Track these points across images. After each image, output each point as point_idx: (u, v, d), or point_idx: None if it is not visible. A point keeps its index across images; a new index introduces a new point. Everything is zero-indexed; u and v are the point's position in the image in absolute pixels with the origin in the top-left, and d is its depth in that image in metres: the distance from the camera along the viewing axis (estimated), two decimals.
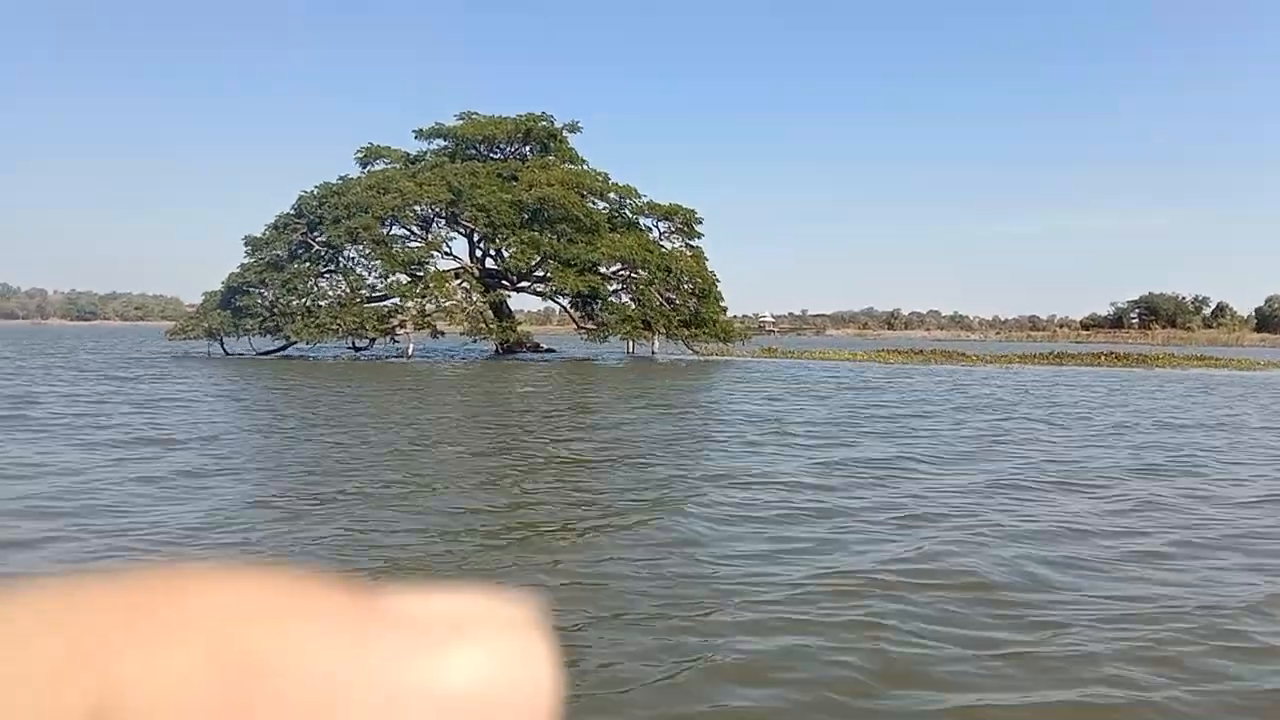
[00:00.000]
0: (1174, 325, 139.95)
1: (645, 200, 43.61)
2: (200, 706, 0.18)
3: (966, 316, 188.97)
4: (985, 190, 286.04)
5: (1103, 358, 42.73)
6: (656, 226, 43.69)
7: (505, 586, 0.21)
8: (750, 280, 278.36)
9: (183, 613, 0.19)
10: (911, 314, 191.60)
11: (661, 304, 40.73)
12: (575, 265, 39.92)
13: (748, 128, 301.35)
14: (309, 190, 40.53)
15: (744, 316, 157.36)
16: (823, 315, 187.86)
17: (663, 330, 40.86)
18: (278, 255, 39.25)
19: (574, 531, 7.33)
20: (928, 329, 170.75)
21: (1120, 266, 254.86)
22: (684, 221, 43.06)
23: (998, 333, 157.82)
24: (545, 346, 45.54)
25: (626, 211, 43.71)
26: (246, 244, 39.94)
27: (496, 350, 42.24)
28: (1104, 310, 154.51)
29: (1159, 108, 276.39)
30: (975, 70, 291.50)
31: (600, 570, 6.22)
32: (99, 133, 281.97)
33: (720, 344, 42.58)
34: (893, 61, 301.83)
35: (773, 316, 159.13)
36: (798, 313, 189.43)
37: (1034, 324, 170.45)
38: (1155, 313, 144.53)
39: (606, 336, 40.79)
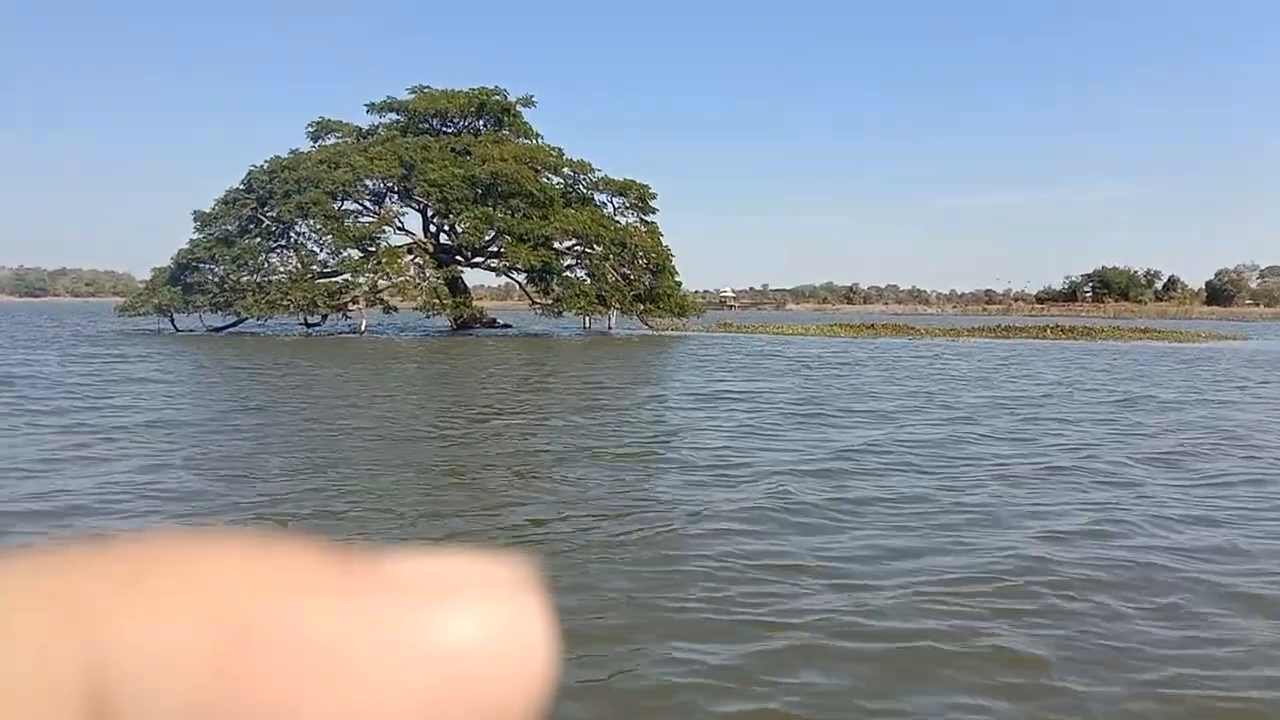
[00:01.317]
0: (1126, 298, 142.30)
1: (600, 175, 43.64)
2: (194, 672, 0.18)
3: (925, 291, 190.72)
4: (943, 165, 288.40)
5: (1049, 330, 43.58)
6: (611, 202, 43.71)
7: (499, 549, 0.20)
8: (712, 255, 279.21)
9: (175, 579, 0.19)
10: (870, 288, 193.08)
11: (616, 279, 40.87)
12: (529, 240, 39.92)
13: (709, 101, 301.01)
14: (259, 165, 40.17)
15: (705, 291, 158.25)
16: (783, 290, 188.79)
17: (618, 305, 41.04)
18: (228, 231, 38.89)
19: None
20: (886, 303, 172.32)
21: (1077, 242, 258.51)
22: (638, 197, 43.12)
23: (954, 306, 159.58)
24: (502, 322, 45.57)
25: (581, 187, 43.69)
26: (196, 219, 39.53)
27: (452, 326, 42.25)
28: (1059, 284, 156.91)
29: (1118, 82, 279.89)
30: (935, 43, 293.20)
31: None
32: (49, 105, 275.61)
33: (675, 319, 42.88)
34: (855, 35, 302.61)
35: (734, 292, 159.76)
36: (759, 288, 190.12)
37: (990, 298, 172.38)
38: (1108, 286, 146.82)
39: (561, 312, 40.91)
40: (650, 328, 42.21)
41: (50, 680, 0.18)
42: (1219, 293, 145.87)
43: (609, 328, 42.43)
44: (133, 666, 0.18)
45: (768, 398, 15.47)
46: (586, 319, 42.33)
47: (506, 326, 44.30)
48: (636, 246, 41.16)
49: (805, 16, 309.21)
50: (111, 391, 15.19)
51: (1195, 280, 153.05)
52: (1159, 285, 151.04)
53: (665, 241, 42.84)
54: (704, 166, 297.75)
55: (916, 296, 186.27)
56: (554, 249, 40.93)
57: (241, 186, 39.81)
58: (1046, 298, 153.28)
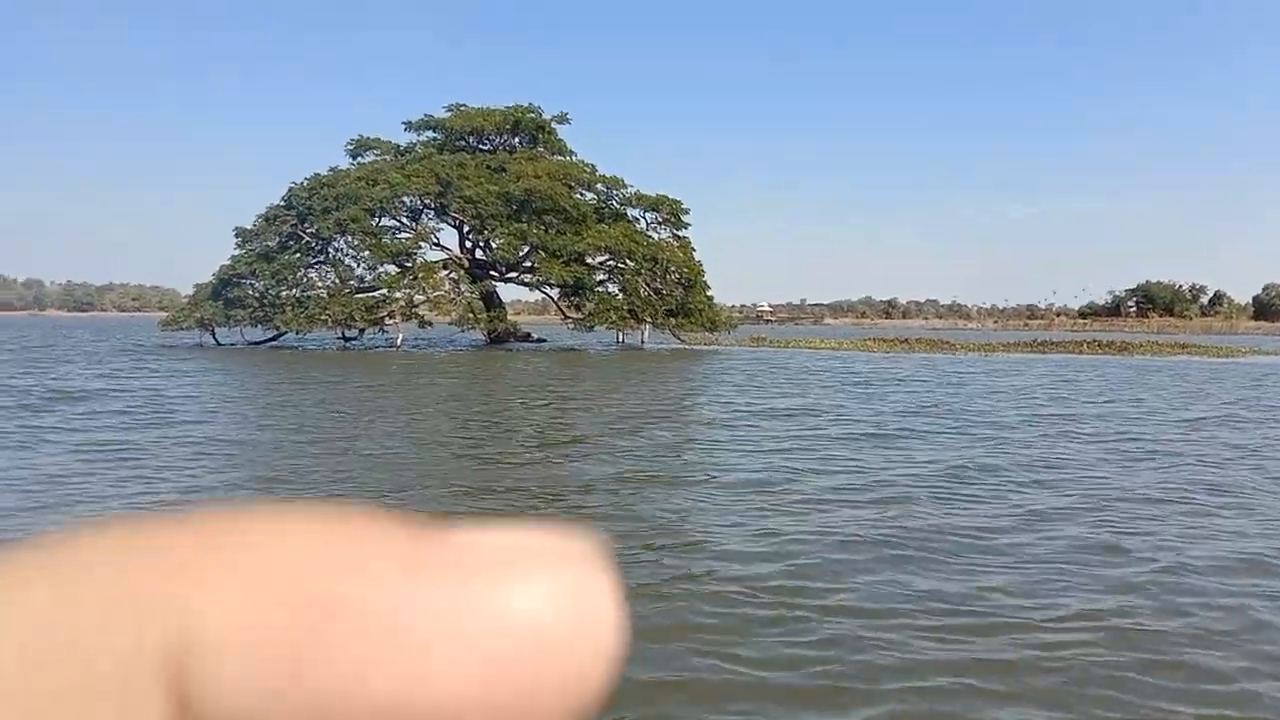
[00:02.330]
0: (1171, 313, 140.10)
1: (632, 191, 44.06)
2: (271, 643, 0.18)
3: (965, 305, 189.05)
4: (985, 177, 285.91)
5: (1084, 345, 43.17)
6: (644, 217, 44.09)
7: (568, 523, 0.20)
8: (750, 270, 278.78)
9: (252, 549, 0.19)
10: (910, 303, 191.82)
11: (648, 293, 41.15)
12: (562, 256, 40.37)
13: (750, 118, 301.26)
14: (299, 182, 41.02)
15: (742, 306, 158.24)
16: (821, 305, 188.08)
17: (649, 319, 41.30)
18: (268, 246, 39.73)
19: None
20: (925, 318, 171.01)
21: (1122, 255, 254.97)
22: (671, 212, 43.46)
23: (995, 322, 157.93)
24: (536, 336, 46.02)
25: (614, 202, 44.13)
26: (237, 235, 40.47)
27: (486, 340, 42.75)
28: (1102, 299, 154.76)
29: (1162, 89, 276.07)
30: (974, 55, 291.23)
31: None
32: (98, 121, 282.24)
33: (708, 333, 43.07)
34: (893, 47, 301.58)
35: (770, 306, 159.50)
36: (796, 302, 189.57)
37: (1032, 313, 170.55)
38: (1152, 301, 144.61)
39: (592, 326, 41.25)
40: (682, 342, 42.42)
41: (128, 655, 0.18)
42: (1266, 307, 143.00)
43: (642, 342, 42.69)
44: (207, 641, 0.18)
45: (831, 416, 15.25)
46: (620, 333, 42.64)
47: (540, 340, 44.74)
48: (668, 261, 41.44)
49: (843, 29, 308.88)
50: (179, 407, 15.70)
51: (1242, 295, 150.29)
52: (1204, 300, 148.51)
53: (698, 256, 43.18)
54: (742, 179, 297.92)
55: (957, 311, 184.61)
56: (586, 264, 41.33)
57: (282, 203, 40.67)
58: (1089, 313, 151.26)
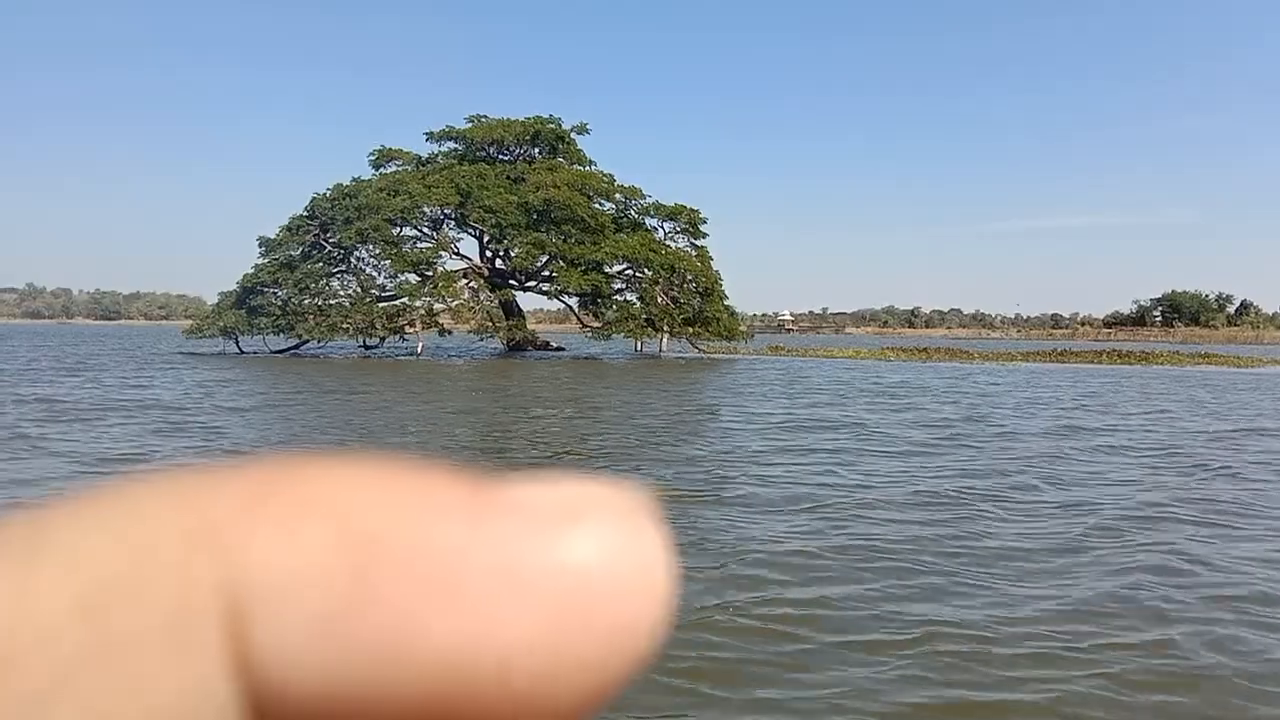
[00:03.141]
0: (1197, 323, 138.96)
1: (650, 201, 44.38)
2: (325, 588, 0.18)
3: (988, 314, 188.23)
4: (1011, 186, 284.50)
5: (1104, 355, 43.01)
6: (662, 226, 44.42)
7: (619, 478, 0.21)
8: (773, 279, 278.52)
9: (307, 496, 0.19)
10: (933, 312, 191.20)
11: (666, 302, 41.40)
12: (580, 265, 40.70)
13: (775, 126, 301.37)
14: (322, 192, 41.61)
15: (764, 314, 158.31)
16: (843, 313, 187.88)
17: (666, 328, 41.56)
18: (291, 256, 40.33)
19: None
20: (949, 327, 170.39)
21: (1147, 265, 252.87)
22: (689, 221, 43.75)
23: (1019, 331, 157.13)
24: (555, 345, 46.35)
25: (632, 212, 44.45)
26: (260, 244, 41.07)
27: (506, 348, 43.11)
28: (1127, 308, 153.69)
29: (1186, 103, 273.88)
30: (999, 66, 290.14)
31: None
32: (126, 134, 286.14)
33: (725, 342, 43.34)
34: (917, 57, 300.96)
35: (792, 315, 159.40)
36: (818, 311, 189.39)
37: (1056, 322, 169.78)
38: (1178, 310, 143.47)
39: (610, 335, 41.54)
40: (699, 351, 42.63)
41: (185, 598, 0.18)
42: None
43: (660, 351, 42.92)
44: (265, 583, 0.18)
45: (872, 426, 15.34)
46: (638, 342, 42.88)
47: (559, 349, 45.02)
48: (686, 270, 41.69)
49: (868, 44, 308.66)
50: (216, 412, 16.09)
51: (1271, 304, 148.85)
52: (1231, 309, 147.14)
53: (716, 265, 43.42)
54: (765, 187, 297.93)
55: (980, 320, 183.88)
56: (604, 273, 41.62)
57: (305, 213, 41.23)
58: (1114, 322, 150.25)
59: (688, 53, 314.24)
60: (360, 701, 0.18)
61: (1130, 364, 39.29)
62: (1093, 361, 40.44)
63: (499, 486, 0.20)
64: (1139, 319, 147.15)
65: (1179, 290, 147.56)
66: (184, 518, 0.19)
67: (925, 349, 48.28)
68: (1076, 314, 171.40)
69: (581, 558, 0.19)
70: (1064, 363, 40.07)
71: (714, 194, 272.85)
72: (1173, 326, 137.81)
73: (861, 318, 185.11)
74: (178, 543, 0.19)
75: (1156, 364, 39.33)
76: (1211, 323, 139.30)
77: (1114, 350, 46.53)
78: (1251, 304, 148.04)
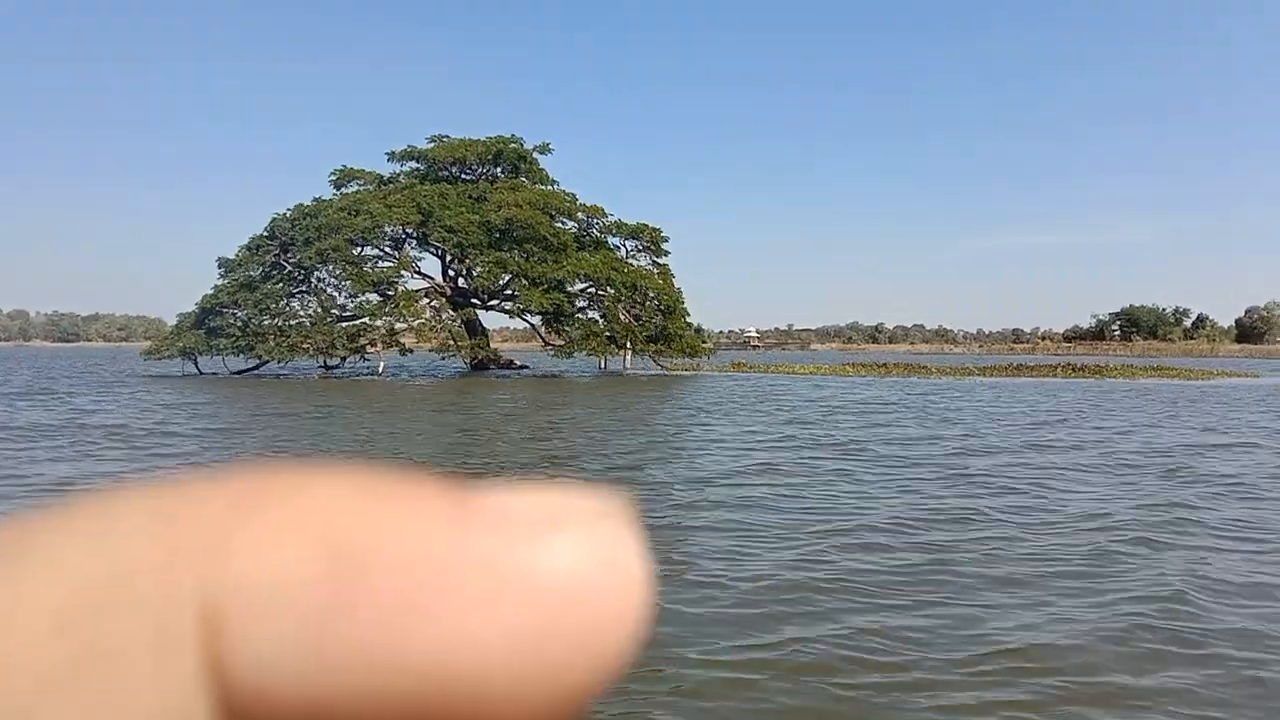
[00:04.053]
0: (1155, 336, 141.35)
1: (613, 220, 44.72)
2: (305, 599, 0.18)
3: (951, 330, 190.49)
4: (969, 205, 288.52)
5: (1058, 369, 43.78)
6: (624, 245, 44.75)
7: (594, 484, 0.21)
8: (739, 297, 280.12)
9: (287, 507, 0.19)
10: (896, 328, 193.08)
11: (628, 320, 41.63)
12: (542, 284, 40.85)
13: (735, 146, 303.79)
14: (282, 212, 41.50)
15: (729, 332, 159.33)
16: (808, 330, 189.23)
17: (629, 346, 41.77)
18: (251, 276, 40.12)
19: None
20: (912, 343, 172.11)
21: (1107, 281, 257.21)
22: (650, 240, 44.12)
23: (980, 346, 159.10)
24: (518, 363, 46.40)
25: (594, 231, 44.74)
26: (220, 265, 40.86)
27: (469, 367, 43.11)
28: (1087, 323, 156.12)
29: (1142, 120, 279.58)
30: (955, 85, 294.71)
31: None
32: (84, 150, 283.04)
33: (689, 359, 43.63)
34: (873, 78, 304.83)
35: (758, 332, 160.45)
36: (784, 328, 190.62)
37: (1017, 337, 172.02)
38: (1136, 324, 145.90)
39: (571, 353, 41.66)
40: (662, 368, 42.86)
41: (166, 610, 0.18)
42: (1249, 330, 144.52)
43: (624, 368, 43.10)
44: (245, 595, 0.18)
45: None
46: (602, 360, 43.05)
47: (523, 368, 45.08)
48: (648, 288, 41.99)
49: (833, 61, 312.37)
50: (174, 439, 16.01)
51: (1225, 318, 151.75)
52: (1188, 323, 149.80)
53: (680, 284, 43.81)
54: (730, 206, 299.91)
55: (943, 336, 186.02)
56: (566, 292, 41.81)
57: (265, 233, 41.10)
58: (1074, 336, 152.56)
59: (653, 74, 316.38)
60: (340, 711, 0.18)
61: (1085, 377, 39.99)
62: (1049, 375, 41.15)
63: (479, 495, 0.20)
64: (1098, 333, 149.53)
65: (1137, 305, 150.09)
66: (164, 529, 0.19)
67: (885, 364, 48.86)
68: (1037, 328, 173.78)
69: (561, 565, 0.19)
70: (1018, 376, 40.74)
71: (681, 214, 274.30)
72: (1131, 340, 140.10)
73: (826, 334, 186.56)
74: (158, 554, 0.19)
75: (1110, 378, 40.07)
76: (1169, 336, 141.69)
77: (1069, 364, 47.34)
78: (1208, 318, 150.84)
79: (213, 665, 0.18)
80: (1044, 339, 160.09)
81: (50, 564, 0.18)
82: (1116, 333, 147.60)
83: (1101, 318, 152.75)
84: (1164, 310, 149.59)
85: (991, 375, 41.39)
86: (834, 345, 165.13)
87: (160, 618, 0.18)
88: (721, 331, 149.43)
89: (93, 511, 0.19)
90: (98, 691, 0.17)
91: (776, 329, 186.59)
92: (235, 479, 0.20)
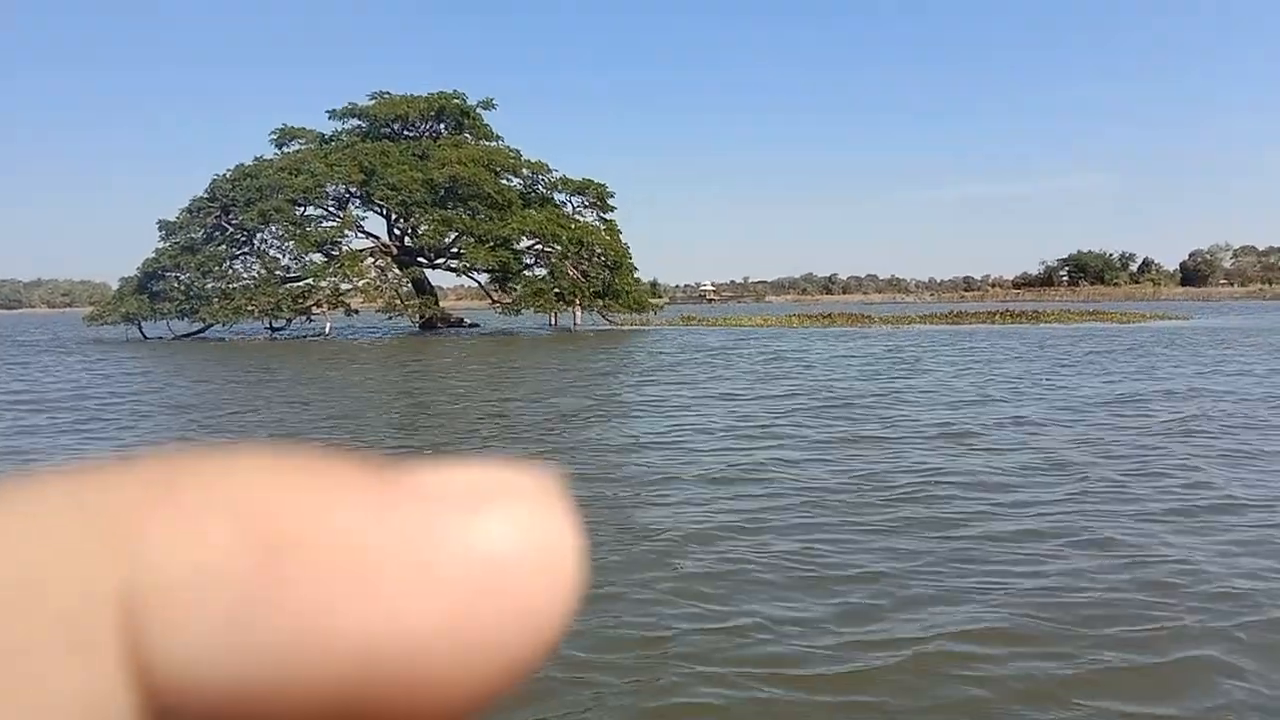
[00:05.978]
0: (1102, 281, 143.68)
1: (558, 175, 44.66)
2: (229, 584, 0.18)
3: (904, 280, 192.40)
4: (919, 156, 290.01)
5: (997, 315, 44.79)
6: (570, 201, 44.74)
7: (526, 460, 0.20)
8: (695, 250, 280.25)
9: (208, 490, 0.19)
10: (850, 279, 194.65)
11: (576, 276, 41.78)
12: (488, 241, 40.85)
13: (691, 106, 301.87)
14: (222, 173, 41.05)
15: (685, 285, 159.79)
16: (764, 282, 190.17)
17: (576, 302, 41.99)
18: (192, 239, 39.83)
19: None
20: (865, 293, 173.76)
21: (1057, 228, 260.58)
22: (596, 196, 44.15)
23: (932, 294, 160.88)
24: (468, 321, 46.47)
25: (540, 187, 44.66)
26: (160, 228, 40.42)
27: (418, 326, 43.14)
28: (1036, 269, 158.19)
29: (1091, 72, 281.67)
30: (904, 39, 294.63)
31: None
32: (21, 115, 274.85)
33: (637, 314, 43.91)
34: (824, 32, 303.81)
35: (714, 285, 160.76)
36: (740, 280, 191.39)
37: (968, 285, 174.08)
38: (1083, 270, 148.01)
39: (519, 310, 41.79)
40: (610, 323, 43.17)
41: (82, 601, 0.18)
42: (1193, 274, 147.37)
43: (574, 324, 43.37)
44: (166, 583, 0.18)
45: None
46: (551, 316, 43.25)
47: (473, 325, 45.16)
48: (594, 244, 42.14)
49: (782, 19, 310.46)
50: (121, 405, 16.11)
51: (1171, 262, 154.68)
52: (1134, 268, 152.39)
53: (628, 239, 43.97)
54: (685, 160, 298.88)
55: (896, 285, 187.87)
56: (513, 249, 41.84)
57: (205, 195, 40.65)
58: (1023, 283, 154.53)
59: (597, 34, 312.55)
60: (269, 699, 0.18)
61: (1020, 324, 40.98)
62: (986, 322, 42.08)
63: (406, 473, 0.20)
64: (1046, 279, 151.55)
65: (1084, 251, 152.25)
66: (80, 516, 0.18)
67: (830, 314, 49.65)
68: (988, 276, 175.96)
69: (491, 541, 0.19)
70: (958, 324, 41.61)
71: (638, 171, 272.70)
72: (1078, 285, 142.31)
73: (781, 286, 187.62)
74: (74, 542, 0.18)
75: (1045, 323, 41.09)
76: (1115, 281, 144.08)
77: (1007, 310, 48.38)
78: (1153, 262, 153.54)
79: (134, 661, 0.18)
80: (994, 286, 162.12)
81: None
82: (1065, 279, 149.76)
83: (1050, 264, 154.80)
84: (1110, 255, 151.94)
85: (930, 323, 42.26)
86: (789, 297, 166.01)
87: (77, 610, 0.18)
88: (678, 286, 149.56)
89: (4, 499, 0.19)
90: (12, 687, 0.17)
91: (733, 282, 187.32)
92: (153, 463, 0.19)
